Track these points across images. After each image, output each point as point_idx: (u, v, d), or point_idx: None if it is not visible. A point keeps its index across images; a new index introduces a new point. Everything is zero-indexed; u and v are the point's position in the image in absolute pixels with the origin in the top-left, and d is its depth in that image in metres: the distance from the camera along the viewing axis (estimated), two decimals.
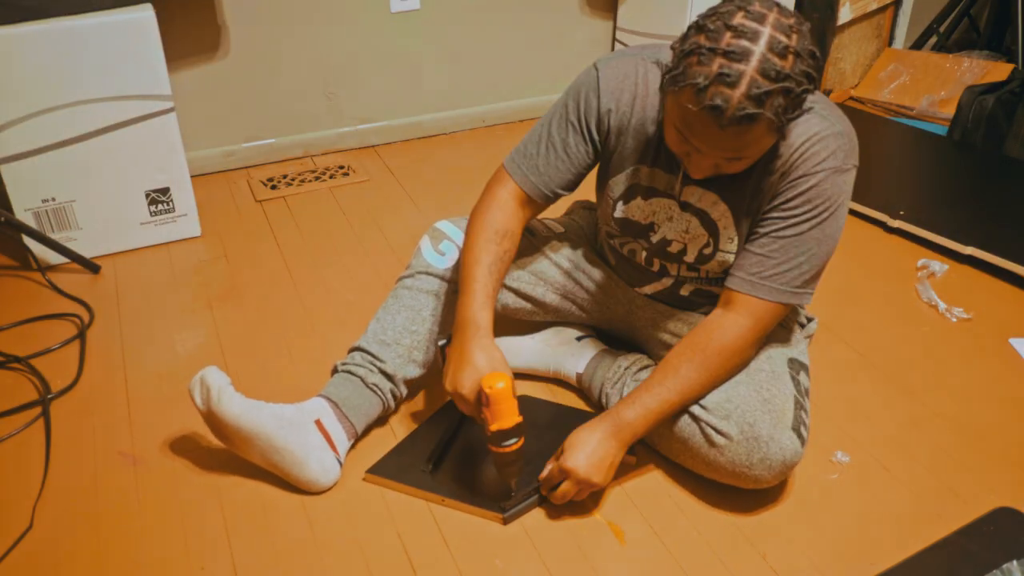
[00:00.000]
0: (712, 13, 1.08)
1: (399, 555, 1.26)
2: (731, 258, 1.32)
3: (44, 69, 1.75)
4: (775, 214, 1.25)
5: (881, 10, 2.93)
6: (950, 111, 2.52)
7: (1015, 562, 1.20)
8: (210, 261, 1.98)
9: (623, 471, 1.36)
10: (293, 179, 2.35)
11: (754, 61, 1.03)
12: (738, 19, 1.05)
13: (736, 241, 1.31)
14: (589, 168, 1.38)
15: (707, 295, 1.43)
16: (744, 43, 1.04)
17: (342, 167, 2.41)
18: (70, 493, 1.36)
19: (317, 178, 2.36)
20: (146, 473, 1.40)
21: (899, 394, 1.58)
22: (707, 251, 1.33)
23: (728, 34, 1.04)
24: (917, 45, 3.05)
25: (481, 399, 1.23)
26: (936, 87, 2.76)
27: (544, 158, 1.37)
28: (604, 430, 1.27)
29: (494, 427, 1.22)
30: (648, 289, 1.47)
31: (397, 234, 2.09)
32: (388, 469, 1.38)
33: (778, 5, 1.09)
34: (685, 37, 1.10)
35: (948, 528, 1.29)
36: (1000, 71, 2.69)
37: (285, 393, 1.56)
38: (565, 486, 1.27)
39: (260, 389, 1.57)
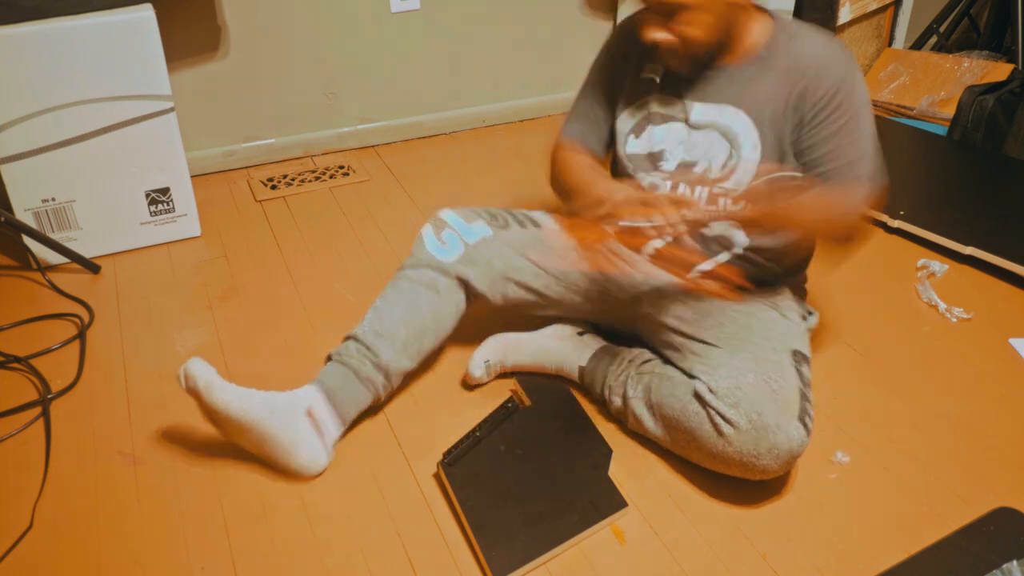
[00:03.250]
0: None
1: (399, 555, 1.26)
2: (754, 167, 1.37)
3: (44, 69, 1.75)
4: (813, 125, 1.34)
5: (881, 10, 2.93)
6: (950, 111, 2.52)
7: (1015, 562, 1.20)
8: (210, 261, 1.98)
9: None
10: (293, 179, 2.35)
11: None
12: None
13: (760, 148, 1.36)
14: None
15: (727, 243, 1.43)
16: None
17: (342, 167, 2.42)
18: (70, 493, 1.36)
19: (317, 178, 2.36)
20: (146, 473, 1.40)
21: (899, 394, 1.58)
22: (731, 162, 1.38)
23: None
24: (917, 45, 3.05)
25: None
26: (936, 87, 2.76)
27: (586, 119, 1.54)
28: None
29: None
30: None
31: (397, 234, 2.09)
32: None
33: None
34: None
35: (948, 528, 1.29)
36: (1000, 71, 2.69)
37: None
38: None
39: (260, 389, 1.57)
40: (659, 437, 1.40)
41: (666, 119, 1.43)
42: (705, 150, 1.40)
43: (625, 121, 1.48)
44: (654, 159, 1.44)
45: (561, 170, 1.51)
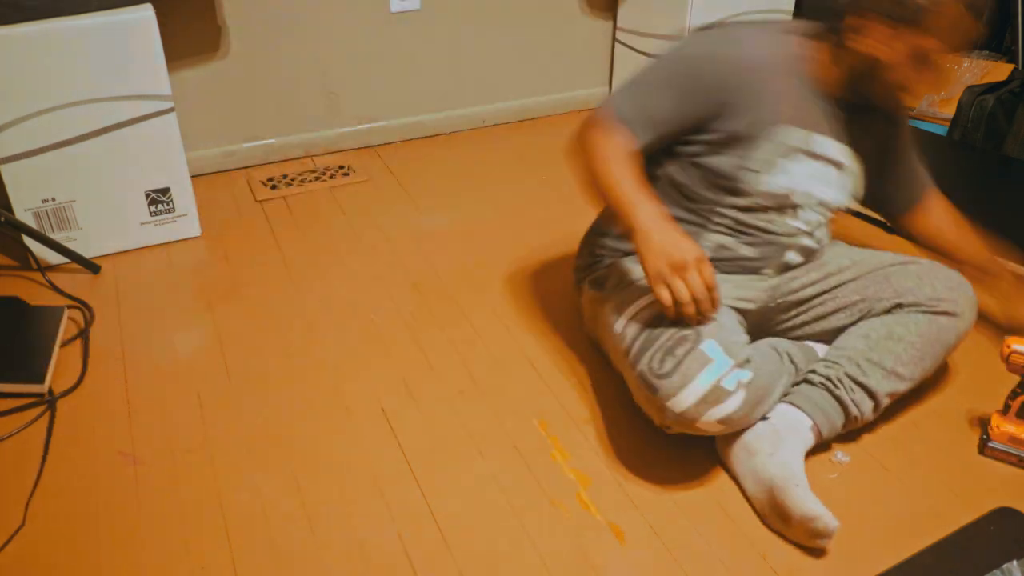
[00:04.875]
0: None
1: (399, 555, 1.26)
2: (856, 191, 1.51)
3: (44, 69, 1.75)
4: (898, 134, 1.55)
5: None
6: (950, 111, 2.52)
7: (1015, 562, 1.20)
8: (210, 261, 1.98)
9: None
10: (293, 179, 2.35)
11: None
12: None
13: (858, 175, 1.50)
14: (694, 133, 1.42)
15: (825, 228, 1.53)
16: None
17: (342, 167, 2.41)
18: (70, 493, 1.36)
19: (317, 178, 2.36)
20: (146, 473, 1.40)
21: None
22: (843, 195, 1.48)
23: None
24: None
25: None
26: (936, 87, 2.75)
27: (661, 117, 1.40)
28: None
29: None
30: (787, 257, 1.50)
31: (397, 234, 2.09)
32: None
33: None
34: None
35: (948, 528, 1.29)
36: (1000, 71, 2.69)
37: (285, 393, 1.56)
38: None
39: (260, 389, 1.57)
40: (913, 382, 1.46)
41: (819, 159, 1.42)
42: (835, 185, 1.46)
43: (764, 157, 1.40)
44: (785, 197, 1.43)
45: (601, 169, 1.36)
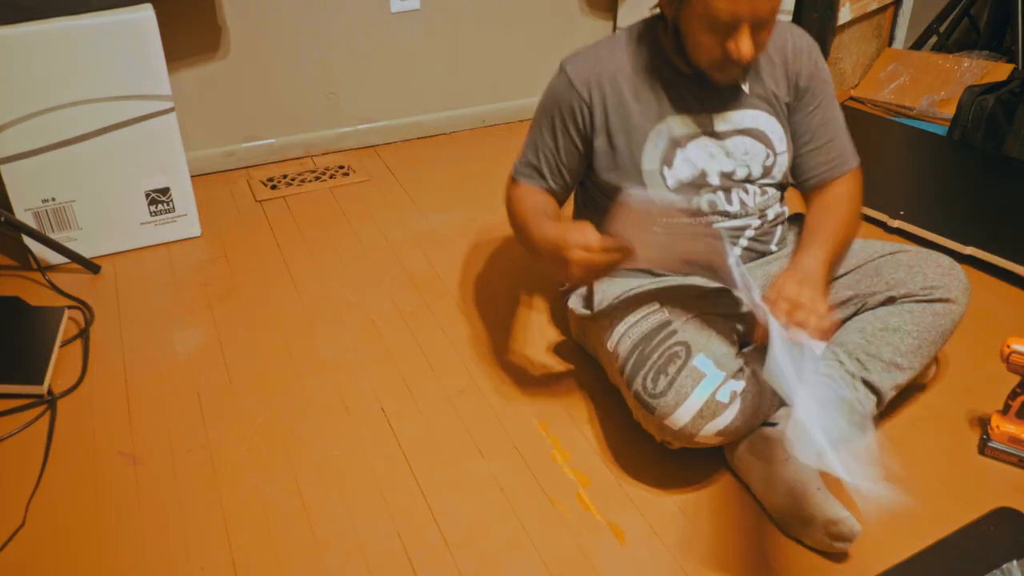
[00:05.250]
0: None
1: (399, 555, 1.26)
2: (786, 157, 1.45)
3: (44, 69, 1.75)
4: (806, 102, 1.44)
5: (881, 10, 2.93)
6: (950, 111, 2.52)
7: (1015, 562, 1.20)
8: (210, 261, 1.98)
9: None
10: (293, 179, 2.35)
11: None
12: None
13: (785, 139, 1.44)
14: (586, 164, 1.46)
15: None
16: None
17: (342, 167, 2.42)
18: (70, 493, 1.36)
19: (317, 178, 2.36)
20: (146, 473, 1.40)
21: (899, 393, 1.57)
22: (768, 162, 1.44)
23: None
24: (917, 45, 3.05)
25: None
26: (936, 87, 2.75)
27: (547, 167, 1.47)
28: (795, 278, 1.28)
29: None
30: (744, 240, 1.48)
31: (397, 234, 2.09)
32: None
33: None
34: None
35: (948, 528, 1.29)
36: (1000, 71, 2.69)
37: (285, 392, 1.56)
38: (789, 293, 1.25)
39: (260, 389, 1.57)
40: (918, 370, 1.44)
41: (691, 138, 1.41)
42: (741, 156, 1.42)
43: (650, 157, 1.41)
44: (699, 179, 1.42)
45: (515, 211, 1.46)
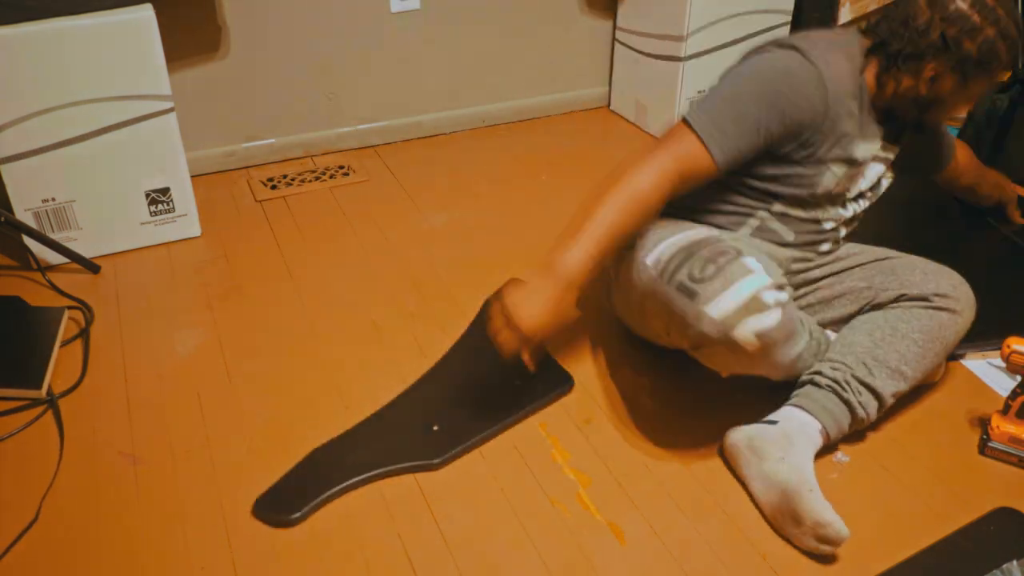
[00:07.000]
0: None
1: (399, 555, 1.26)
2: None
3: (44, 69, 1.75)
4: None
5: (881, 10, 2.93)
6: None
7: (1015, 562, 1.20)
8: (210, 261, 1.98)
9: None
10: (293, 179, 2.35)
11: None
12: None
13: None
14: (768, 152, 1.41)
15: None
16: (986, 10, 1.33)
17: (342, 167, 2.42)
18: (70, 493, 1.36)
19: (317, 178, 2.36)
20: (146, 473, 1.40)
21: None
22: (885, 182, 1.55)
23: (974, 11, 1.32)
24: None
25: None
26: None
27: (739, 137, 1.36)
28: (538, 272, 1.32)
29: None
30: (824, 246, 1.54)
31: (397, 234, 2.09)
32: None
33: None
34: (953, 21, 1.33)
35: (948, 528, 1.29)
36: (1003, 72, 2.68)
37: (285, 392, 1.56)
38: (497, 321, 1.31)
39: (260, 389, 1.57)
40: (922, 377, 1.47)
41: (860, 163, 1.45)
42: (878, 178, 1.52)
43: (828, 165, 1.42)
44: (840, 194, 1.48)
45: (608, 189, 1.34)
